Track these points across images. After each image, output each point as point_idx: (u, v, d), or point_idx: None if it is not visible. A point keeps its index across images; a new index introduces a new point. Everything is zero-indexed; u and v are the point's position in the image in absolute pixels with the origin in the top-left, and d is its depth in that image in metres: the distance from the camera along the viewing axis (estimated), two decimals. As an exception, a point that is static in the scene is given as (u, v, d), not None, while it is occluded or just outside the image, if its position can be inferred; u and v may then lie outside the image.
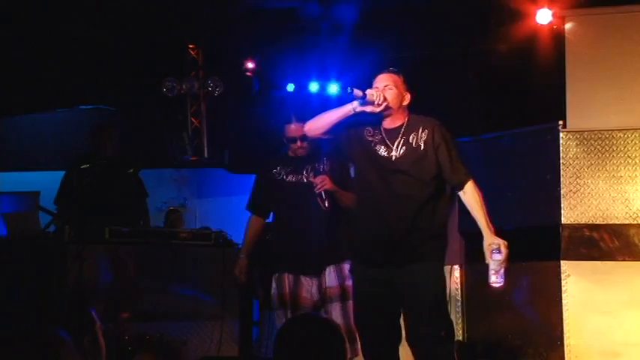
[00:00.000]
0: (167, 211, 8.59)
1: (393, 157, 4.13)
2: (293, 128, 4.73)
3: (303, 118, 4.48)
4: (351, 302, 4.52)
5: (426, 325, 4.03)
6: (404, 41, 7.38)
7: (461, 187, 4.11)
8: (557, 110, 5.78)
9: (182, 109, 8.86)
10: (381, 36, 7.23)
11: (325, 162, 4.72)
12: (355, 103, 4.13)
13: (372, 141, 4.18)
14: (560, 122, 5.69)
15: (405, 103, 4.21)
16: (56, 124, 9.60)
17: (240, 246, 5.17)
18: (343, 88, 4.10)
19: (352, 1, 7.07)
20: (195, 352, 5.59)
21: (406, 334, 4.16)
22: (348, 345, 3.37)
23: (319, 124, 4.23)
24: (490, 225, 4.03)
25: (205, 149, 8.95)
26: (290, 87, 8.29)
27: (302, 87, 8.06)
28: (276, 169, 4.80)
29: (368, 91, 4.11)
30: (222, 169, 9.20)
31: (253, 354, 6.05)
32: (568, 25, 5.80)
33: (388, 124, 4.19)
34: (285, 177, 4.77)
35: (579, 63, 5.77)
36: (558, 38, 5.89)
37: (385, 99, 4.11)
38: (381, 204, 4.14)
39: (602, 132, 5.62)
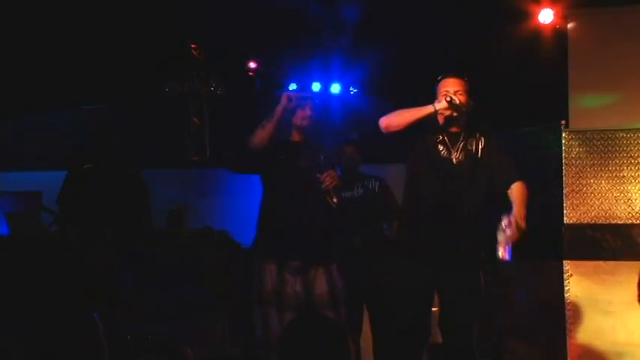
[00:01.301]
0: (169, 211, 8.57)
1: (454, 160, 4.13)
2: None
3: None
4: (342, 310, 4.44)
5: (468, 327, 4.10)
6: (405, 41, 7.38)
7: (509, 187, 4.15)
8: (559, 109, 5.78)
9: (184, 109, 8.88)
10: (382, 36, 7.23)
11: (324, 157, 4.58)
12: (437, 105, 4.11)
13: (434, 141, 4.17)
14: (563, 122, 5.68)
15: (470, 108, 4.22)
16: (58, 123, 9.60)
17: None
18: (448, 99, 4.06)
19: (353, 1, 7.07)
20: (197, 353, 5.57)
21: (443, 331, 4.18)
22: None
23: (400, 120, 4.14)
24: (521, 209, 4.06)
25: (207, 149, 8.97)
26: (292, 87, 8.29)
27: (304, 87, 8.07)
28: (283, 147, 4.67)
29: (453, 98, 4.08)
30: (224, 169, 9.18)
31: (255, 354, 6.04)
32: (570, 25, 5.80)
33: (452, 128, 4.18)
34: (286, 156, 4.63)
35: (582, 62, 5.77)
36: (561, 37, 5.89)
37: (464, 104, 4.11)
38: (438, 206, 4.12)
39: (604, 132, 5.60)
